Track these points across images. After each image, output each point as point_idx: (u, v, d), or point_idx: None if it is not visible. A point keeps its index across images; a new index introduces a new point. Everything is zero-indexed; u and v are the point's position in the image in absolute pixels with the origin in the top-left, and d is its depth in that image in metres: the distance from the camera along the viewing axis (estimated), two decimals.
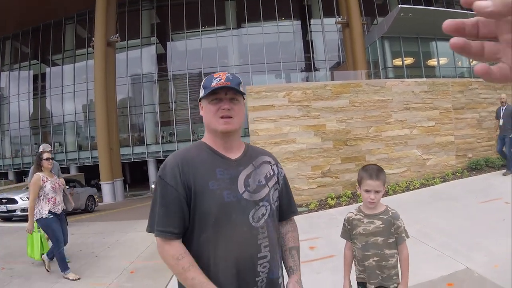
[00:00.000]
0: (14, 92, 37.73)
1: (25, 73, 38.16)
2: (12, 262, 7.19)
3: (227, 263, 1.67)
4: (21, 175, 35.40)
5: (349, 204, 8.83)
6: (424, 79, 11.08)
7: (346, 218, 2.80)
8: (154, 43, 36.06)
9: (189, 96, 34.25)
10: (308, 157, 9.61)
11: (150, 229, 1.74)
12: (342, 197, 9.23)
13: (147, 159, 34.51)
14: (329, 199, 9.17)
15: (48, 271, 6.06)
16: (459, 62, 30.03)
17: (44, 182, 5.90)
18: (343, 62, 33.04)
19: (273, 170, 1.92)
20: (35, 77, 38.08)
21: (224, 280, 1.66)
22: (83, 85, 35.03)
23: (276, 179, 1.91)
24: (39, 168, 6.07)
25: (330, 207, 8.84)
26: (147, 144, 34.69)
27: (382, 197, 2.67)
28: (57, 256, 5.86)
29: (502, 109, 9.78)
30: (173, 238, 1.67)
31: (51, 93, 36.74)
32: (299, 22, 36.46)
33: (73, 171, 34.79)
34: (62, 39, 36.93)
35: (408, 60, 29.35)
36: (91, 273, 6.21)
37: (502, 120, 9.69)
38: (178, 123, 34.95)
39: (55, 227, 5.87)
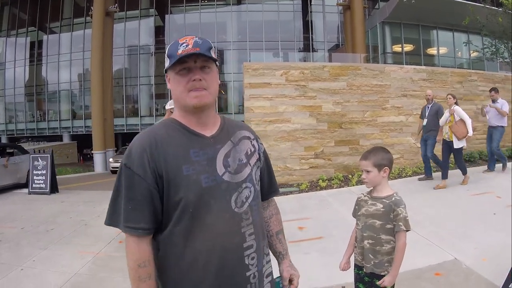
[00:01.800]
0: (11, 58, 37.31)
1: (22, 39, 37.65)
2: (2, 226, 7.17)
3: (208, 258, 1.47)
4: (14, 141, 35.36)
5: (340, 187, 8.82)
6: (424, 67, 11.02)
7: (357, 198, 2.84)
8: (152, 15, 35.70)
9: None
10: (302, 138, 9.56)
11: (109, 222, 1.54)
12: (333, 179, 9.21)
13: (140, 131, 34.36)
14: (321, 181, 9.15)
15: None
16: (459, 52, 29.97)
17: None
18: (341, 44, 32.86)
19: (253, 146, 1.73)
20: (32, 44, 37.63)
21: (203, 278, 1.47)
22: (80, 54, 34.74)
23: (258, 156, 1.73)
24: None
25: (321, 188, 8.82)
26: (140, 116, 34.59)
27: None
28: None
29: (428, 107, 8.71)
30: (144, 235, 1.47)
31: (47, 61, 36.41)
32: (299, 1, 36.07)
33: (66, 139, 34.95)
34: (60, 7, 36.39)
35: (408, 47, 29.29)
36: (80, 241, 6.20)
37: (426, 119, 8.64)
38: None
39: None
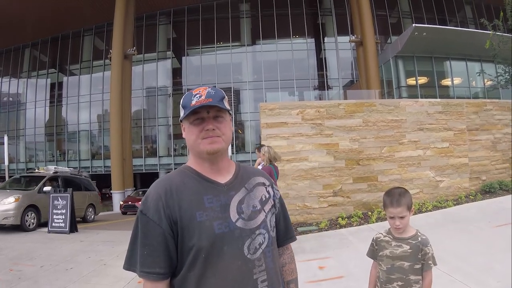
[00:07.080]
0: (31, 99, 38.64)
1: (43, 81, 39.08)
2: (21, 264, 7.27)
3: None
4: None
5: (360, 225, 8.75)
6: (438, 100, 11.04)
7: (374, 238, 2.75)
8: (170, 57, 36.66)
9: None
10: (320, 176, 9.59)
11: (127, 267, 1.58)
12: (353, 217, 9.14)
13: (158, 171, 34.69)
14: (340, 219, 9.11)
15: None
16: (473, 82, 29.92)
17: None
18: (356, 80, 33.11)
19: (268, 192, 1.73)
20: (52, 85, 39.02)
21: None
22: (99, 95, 35.66)
23: (273, 202, 1.73)
24: None
25: (341, 227, 8.77)
26: (159, 156, 34.92)
27: None
28: None
29: None
30: (159, 280, 1.51)
31: (67, 102, 37.56)
32: (313, 40, 36.80)
33: None
34: (80, 49, 37.75)
35: (422, 80, 29.36)
36: (99, 280, 6.25)
37: None
38: None
39: None
